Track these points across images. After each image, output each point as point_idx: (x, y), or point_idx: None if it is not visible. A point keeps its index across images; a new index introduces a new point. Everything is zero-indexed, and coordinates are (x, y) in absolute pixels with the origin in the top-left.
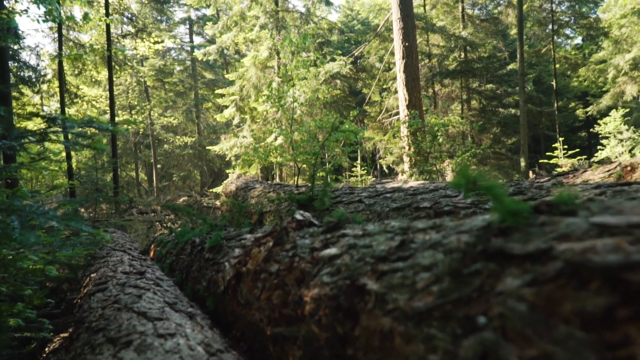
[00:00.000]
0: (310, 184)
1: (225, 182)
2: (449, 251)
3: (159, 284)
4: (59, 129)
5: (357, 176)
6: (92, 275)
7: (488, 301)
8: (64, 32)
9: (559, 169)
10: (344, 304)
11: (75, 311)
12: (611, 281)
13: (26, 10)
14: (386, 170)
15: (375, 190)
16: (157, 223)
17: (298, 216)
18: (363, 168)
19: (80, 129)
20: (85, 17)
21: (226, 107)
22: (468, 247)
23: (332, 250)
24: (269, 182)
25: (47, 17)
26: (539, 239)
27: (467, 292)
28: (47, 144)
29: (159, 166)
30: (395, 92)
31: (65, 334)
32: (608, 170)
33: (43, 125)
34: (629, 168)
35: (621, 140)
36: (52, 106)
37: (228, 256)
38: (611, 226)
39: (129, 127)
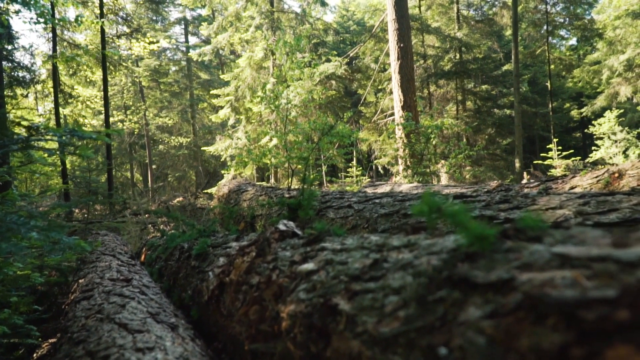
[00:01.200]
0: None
1: (219, 183)
2: (418, 274)
3: (144, 292)
4: (42, 138)
5: (352, 177)
6: (80, 280)
7: (450, 331)
8: (58, 32)
9: (553, 170)
10: (318, 323)
11: (62, 318)
12: (567, 318)
13: (17, 12)
14: (381, 171)
15: (365, 196)
16: (150, 225)
17: (281, 226)
18: (358, 169)
19: (64, 137)
20: (77, 19)
21: (221, 107)
22: (435, 272)
23: (309, 265)
24: (261, 184)
25: (39, 19)
26: (503, 267)
27: (431, 320)
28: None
29: (154, 166)
30: (391, 92)
31: (54, 339)
32: (596, 177)
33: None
34: (616, 174)
35: (615, 141)
36: (47, 106)
37: (213, 265)
38: (572, 257)
39: (123, 127)
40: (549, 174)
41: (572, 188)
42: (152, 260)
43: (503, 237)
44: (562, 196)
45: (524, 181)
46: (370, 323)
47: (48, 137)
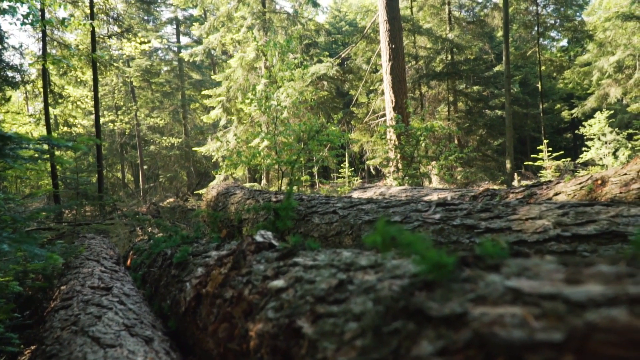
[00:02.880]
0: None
1: (208, 186)
2: (378, 300)
3: (123, 301)
4: (16, 147)
5: (344, 177)
6: (62, 287)
7: None
8: (48, 32)
9: (543, 171)
10: (282, 346)
11: (40, 327)
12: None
13: (3, 14)
14: (373, 172)
15: (350, 201)
16: (138, 228)
17: (258, 237)
18: (350, 170)
19: (38, 145)
20: (64, 21)
21: (213, 108)
22: (392, 300)
23: (279, 282)
24: (250, 187)
25: (25, 20)
26: (458, 299)
27: (385, 353)
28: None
29: (145, 167)
30: (382, 93)
31: (36, 346)
32: (580, 183)
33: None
34: (599, 182)
35: (605, 142)
36: (37, 106)
37: (191, 275)
38: (524, 293)
39: (114, 127)
40: (539, 174)
41: (556, 194)
42: (136, 265)
43: (463, 264)
44: (542, 206)
45: (515, 182)
46: (330, 350)
47: (23, 146)
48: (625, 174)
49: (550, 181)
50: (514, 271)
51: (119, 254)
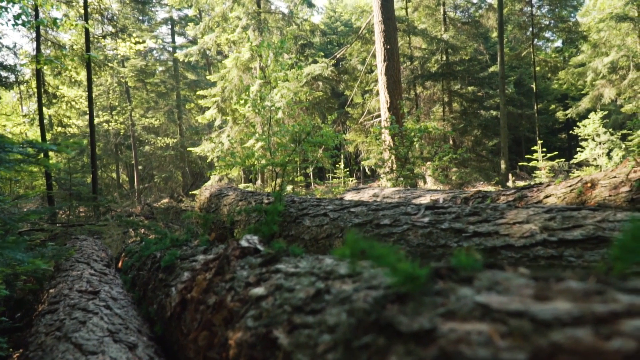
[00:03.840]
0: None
1: (201, 187)
2: (352, 312)
3: (110, 306)
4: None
5: (339, 178)
6: (50, 290)
7: None
8: (42, 31)
9: (537, 172)
10: (259, 356)
11: (27, 331)
12: None
13: None
14: (369, 172)
15: (341, 204)
16: (132, 229)
17: (243, 242)
18: (345, 170)
19: (22, 148)
20: (55, 22)
21: (208, 108)
22: (364, 313)
23: (260, 290)
24: (242, 188)
25: (17, 21)
26: (428, 314)
27: None
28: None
29: (140, 167)
30: (377, 94)
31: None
32: (570, 186)
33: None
34: (589, 184)
35: (599, 143)
36: (32, 106)
37: (177, 279)
38: (492, 310)
39: (109, 128)
40: (534, 175)
41: (546, 197)
42: (127, 267)
43: (436, 276)
44: (530, 210)
45: (509, 183)
46: None
47: (7, 149)
48: (615, 176)
49: (540, 183)
50: (485, 285)
51: (112, 255)
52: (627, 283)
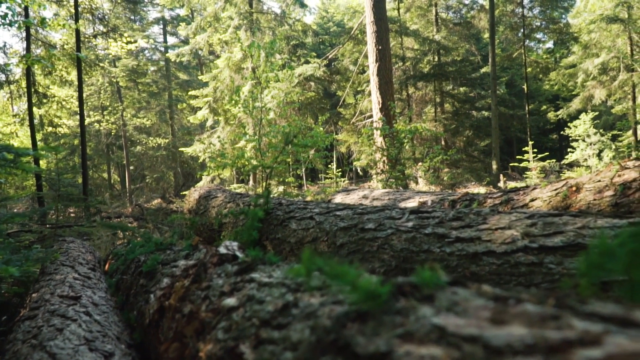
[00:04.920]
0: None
1: (190, 189)
2: (314, 329)
3: (90, 312)
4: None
5: (331, 178)
6: (33, 295)
7: None
8: (33, 31)
9: (529, 173)
10: None
11: (6, 337)
12: None
13: None
14: (361, 173)
15: (327, 207)
16: (120, 231)
17: (222, 249)
18: (337, 171)
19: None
20: (43, 21)
21: (200, 108)
22: (324, 332)
23: (232, 301)
24: (231, 190)
25: (3, 21)
26: (386, 335)
27: None
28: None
29: (131, 168)
30: (369, 94)
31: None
32: (555, 189)
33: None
34: (574, 188)
35: (590, 144)
36: (22, 106)
37: (157, 286)
38: (448, 333)
39: (100, 128)
40: (525, 175)
41: (532, 200)
42: (113, 271)
43: (399, 293)
44: (512, 215)
45: (500, 183)
46: None
47: None
48: (599, 180)
49: (527, 187)
50: (445, 305)
51: (100, 257)
52: (585, 306)
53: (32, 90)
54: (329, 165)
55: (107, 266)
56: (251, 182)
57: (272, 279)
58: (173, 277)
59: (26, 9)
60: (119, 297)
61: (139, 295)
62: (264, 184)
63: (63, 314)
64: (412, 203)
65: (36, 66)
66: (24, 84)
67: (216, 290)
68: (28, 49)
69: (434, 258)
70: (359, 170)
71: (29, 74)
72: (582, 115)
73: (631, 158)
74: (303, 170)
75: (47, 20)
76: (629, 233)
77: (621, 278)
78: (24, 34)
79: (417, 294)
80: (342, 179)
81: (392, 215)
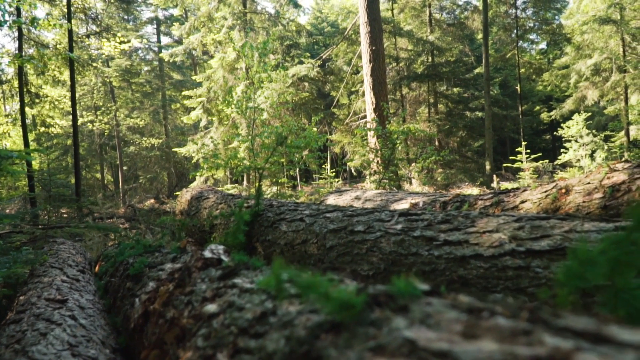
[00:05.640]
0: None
1: (182, 190)
2: (289, 339)
3: (76, 316)
4: None
5: (325, 178)
6: (20, 298)
7: None
8: (25, 31)
9: (522, 173)
10: None
11: None
12: None
13: None
14: (355, 173)
15: (317, 209)
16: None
17: (207, 253)
18: (331, 171)
19: None
20: (33, 21)
21: (193, 108)
22: (297, 343)
23: (212, 307)
24: (223, 191)
25: None
26: (359, 348)
27: None
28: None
29: (125, 168)
30: (363, 95)
31: None
32: (545, 191)
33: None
34: (563, 190)
35: (583, 144)
36: (15, 106)
37: (143, 289)
38: (419, 347)
39: (93, 128)
40: (518, 176)
41: (522, 202)
42: (102, 273)
43: (374, 303)
44: (500, 218)
45: (494, 184)
46: None
47: None
48: (589, 183)
49: (517, 188)
50: (418, 317)
51: (91, 258)
52: (558, 321)
53: (25, 90)
54: (323, 166)
55: (97, 268)
56: (245, 182)
57: (254, 284)
58: (159, 280)
59: (18, 9)
60: (107, 299)
61: (125, 299)
62: (257, 184)
63: (48, 317)
64: (404, 204)
65: (28, 66)
66: (16, 83)
67: (199, 296)
68: (20, 48)
69: (422, 261)
70: (353, 171)
71: (21, 73)
72: (575, 116)
73: (620, 160)
74: (297, 170)
75: (38, 19)
76: (610, 240)
77: (604, 284)
78: (16, 34)
79: (392, 304)
80: (336, 180)
81: (382, 218)
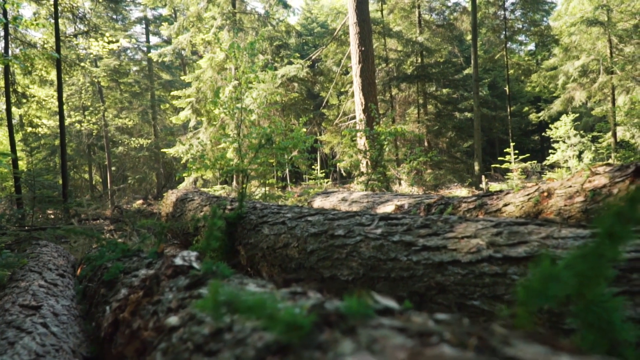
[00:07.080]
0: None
1: (167, 192)
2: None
3: (47, 323)
4: None
5: (315, 179)
6: None
7: None
8: (11, 30)
9: (510, 174)
10: None
11: None
12: None
13: None
14: (344, 174)
15: (300, 212)
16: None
17: (178, 260)
18: (321, 172)
19: None
20: (15, 20)
21: (182, 109)
22: None
23: (174, 319)
24: (208, 193)
25: None
26: None
27: None
28: None
29: (113, 169)
30: (353, 95)
31: None
32: (528, 194)
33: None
34: (545, 194)
35: (570, 145)
36: (1, 106)
37: (115, 297)
38: None
39: (81, 128)
40: (506, 177)
41: (505, 205)
42: (82, 277)
43: (325, 323)
44: (479, 224)
45: (482, 184)
46: None
47: None
48: (570, 186)
49: (500, 191)
50: (365, 342)
51: (75, 261)
52: (507, 349)
53: (11, 89)
54: (313, 167)
55: (79, 271)
56: (234, 183)
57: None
58: (131, 287)
59: (4, 9)
60: (84, 305)
61: (99, 306)
62: (245, 185)
63: (19, 325)
64: (389, 206)
65: (15, 65)
66: (2, 83)
67: (164, 306)
68: (7, 48)
69: (400, 267)
70: (342, 171)
71: (7, 73)
72: (563, 117)
73: (602, 163)
74: (287, 171)
75: (20, 18)
76: (577, 253)
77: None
78: (2, 33)
79: (343, 325)
80: (326, 180)
81: (362, 222)
